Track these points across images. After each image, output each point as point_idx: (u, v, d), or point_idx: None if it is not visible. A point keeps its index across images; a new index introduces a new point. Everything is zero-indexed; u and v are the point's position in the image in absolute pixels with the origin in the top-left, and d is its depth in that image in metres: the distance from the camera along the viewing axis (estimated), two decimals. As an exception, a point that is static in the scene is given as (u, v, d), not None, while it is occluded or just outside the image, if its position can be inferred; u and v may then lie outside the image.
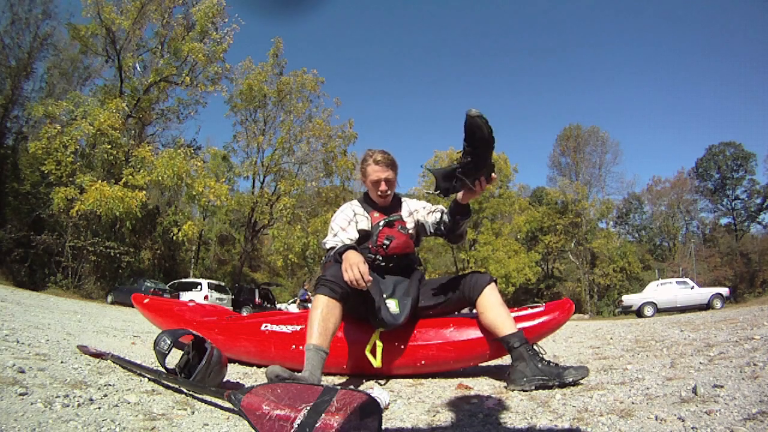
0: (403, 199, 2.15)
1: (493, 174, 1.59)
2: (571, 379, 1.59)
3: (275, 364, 1.54)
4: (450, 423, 1.27)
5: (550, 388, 1.59)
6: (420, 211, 2.06)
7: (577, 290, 31.52)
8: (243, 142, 21.85)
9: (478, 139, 1.45)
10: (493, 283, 1.85)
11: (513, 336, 1.71)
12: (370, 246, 1.95)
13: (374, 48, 66.00)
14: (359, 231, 1.95)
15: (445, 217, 1.86)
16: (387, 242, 1.94)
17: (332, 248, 1.83)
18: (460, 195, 1.71)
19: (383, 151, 1.98)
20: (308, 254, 21.25)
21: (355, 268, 1.59)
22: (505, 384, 1.71)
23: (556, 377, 1.60)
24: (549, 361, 1.67)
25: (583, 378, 1.62)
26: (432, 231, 1.97)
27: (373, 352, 1.86)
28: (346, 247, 1.73)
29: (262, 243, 29.86)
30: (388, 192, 1.99)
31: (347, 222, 1.97)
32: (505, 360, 1.90)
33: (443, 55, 64.69)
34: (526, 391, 1.60)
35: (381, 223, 1.98)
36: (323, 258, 1.94)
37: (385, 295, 1.83)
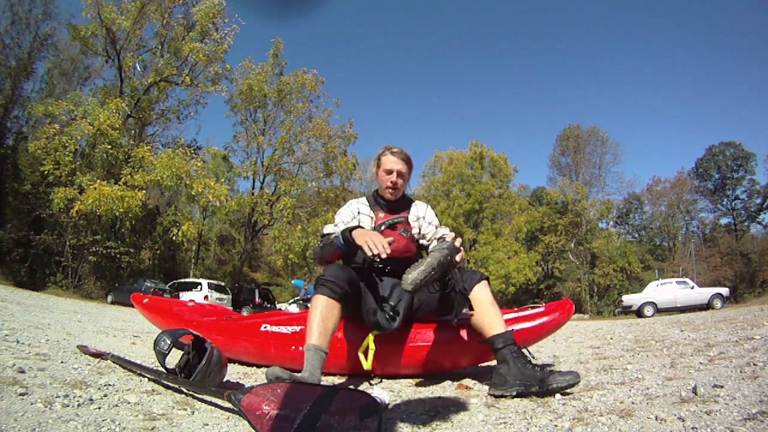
0: (414, 202, 2.09)
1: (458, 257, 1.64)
2: (555, 386, 1.47)
3: (275, 364, 1.54)
4: (450, 423, 1.27)
5: (532, 394, 1.49)
6: (428, 222, 2.03)
7: (577, 290, 31.48)
8: (243, 142, 21.88)
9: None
10: (484, 281, 1.76)
11: (498, 337, 1.63)
12: None
13: (374, 48, 66.03)
14: None
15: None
16: None
17: (327, 235, 1.83)
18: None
19: (401, 148, 2.00)
20: (308, 254, 21.23)
21: (375, 237, 1.58)
22: (488, 388, 1.62)
23: (539, 382, 1.49)
24: (535, 365, 1.57)
25: (571, 387, 1.48)
26: (427, 250, 1.95)
27: (365, 354, 1.83)
28: (350, 229, 1.70)
29: (262, 243, 29.82)
30: (398, 186, 1.97)
31: (351, 218, 1.99)
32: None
33: (443, 55, 64.73)
34: (506, 396, 1.51)
35: (383, 225, 1.96)
36: (318, 242, 1.92)
37: (384, 296, 1.82)
